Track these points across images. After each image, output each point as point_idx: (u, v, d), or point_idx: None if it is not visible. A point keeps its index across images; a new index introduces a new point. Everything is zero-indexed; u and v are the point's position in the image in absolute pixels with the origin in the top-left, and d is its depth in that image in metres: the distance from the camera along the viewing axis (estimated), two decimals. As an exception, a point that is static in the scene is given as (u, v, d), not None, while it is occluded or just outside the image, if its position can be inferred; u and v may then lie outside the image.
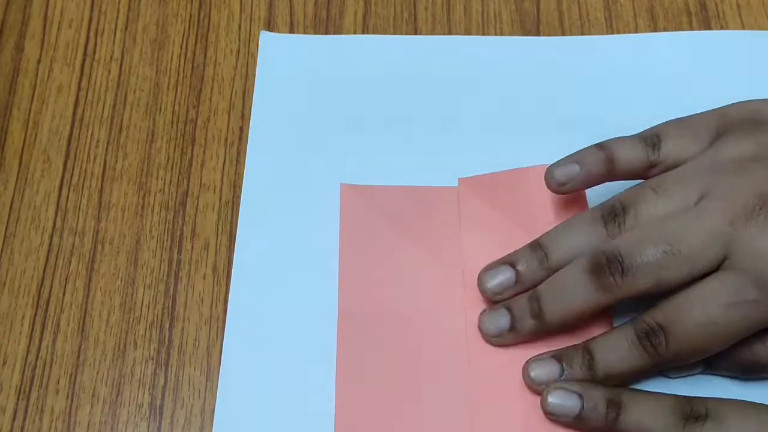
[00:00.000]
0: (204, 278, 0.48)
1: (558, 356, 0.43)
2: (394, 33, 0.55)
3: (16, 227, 0.50)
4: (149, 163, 0.51)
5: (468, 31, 0.55)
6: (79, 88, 0.54)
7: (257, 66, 0.53)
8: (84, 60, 0.55)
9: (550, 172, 0.45)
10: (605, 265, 0.42)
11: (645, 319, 0.42)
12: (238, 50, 0.55)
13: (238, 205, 0.50)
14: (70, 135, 0.52)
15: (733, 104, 0.46)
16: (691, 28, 0.55)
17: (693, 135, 0.45)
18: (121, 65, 0.55)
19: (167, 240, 0.49)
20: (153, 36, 0.56)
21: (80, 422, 0.45)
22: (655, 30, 0.55)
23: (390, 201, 0.49)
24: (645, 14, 0.56)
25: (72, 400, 0.45)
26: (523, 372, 0.44)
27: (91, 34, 0.56)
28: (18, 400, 0.45)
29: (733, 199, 0.42)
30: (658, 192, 0.44)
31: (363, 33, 0.55)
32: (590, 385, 0.42)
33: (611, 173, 0.45)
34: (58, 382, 0.46)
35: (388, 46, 0.54)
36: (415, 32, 0.55)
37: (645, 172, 0.45)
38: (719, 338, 0.41)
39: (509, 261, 0.45)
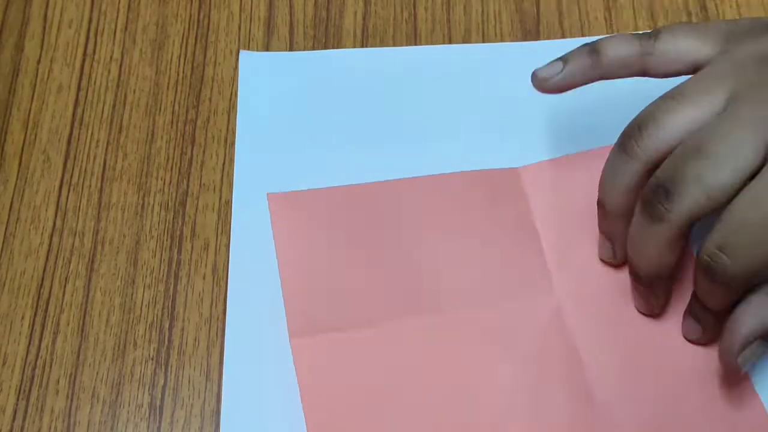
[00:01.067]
0: (204, 278, 0.48)
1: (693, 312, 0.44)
2: (394, 33, 0.55)
3: (16, 227, 0.50)
4: (149, 163, 0.51)
5: (468, 31, 0.55)
6: (79, 88, 0.54)
7: (238, 86, 0.52)
8: (84, 60, 0.55)
9: (534, 73, 0.46)
10: (653, 199, 0.40)
11: (703, 251, 0.40)
12: (238, 50, 0.55)
13: (238, 205, 0.50)
14: (70, 135, 0.52)
15: (741, 18, 0.46)
16: (691, 29, 0.55)
17: (697, 35, 0.44)
18: (121, 65, 0.55)
19: (167, 240, 0.49)
20: (153, 36, 0.56)
21: (80, 422, 0.45)
22: (654, 30, 0.55)
23: (323, 205, 0.48)
24: (645, 14, 0.56)
25: (72, 400, 0.45)
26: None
27: (91, 34, 0.56)
28: (18, 400, 0.45)
29: (764, 86, 0.40)
30: (677, 99, 0.42)
31: (363, 33, 0.55)
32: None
33: (598, 65, 0.44)
34: (58, 382, 0.46)
35: (371, 59, 0.53)
36: (415, 32, 0.55)
37: (638, 64, 0.44)
38: None
39: (599, 228, 0.46)
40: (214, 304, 0.47)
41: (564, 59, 0.45)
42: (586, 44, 0.45)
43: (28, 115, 0.53)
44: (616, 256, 0.45)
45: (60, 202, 0.50)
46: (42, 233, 0.50)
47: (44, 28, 0.56)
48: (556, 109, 0.52)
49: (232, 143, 0.52)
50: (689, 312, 0.44)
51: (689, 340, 0.44)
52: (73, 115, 0.53)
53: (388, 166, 0.50)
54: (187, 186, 0.51)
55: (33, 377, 0.46)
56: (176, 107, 0.53)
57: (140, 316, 0.47)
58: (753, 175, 0.39)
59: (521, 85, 0.51)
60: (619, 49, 0.44)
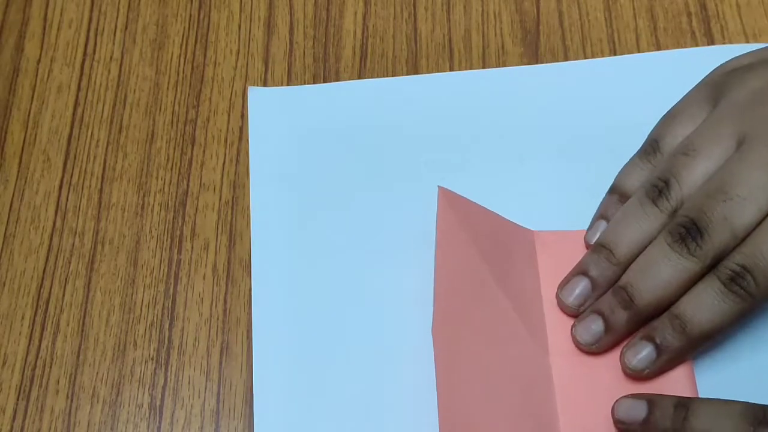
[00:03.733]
0: (204, 278, 0.48)
1: (647, 335, 0.43)
2: (394, 33, 0.55)
3: (16, 227, 0.50)
4: (149, 163, 0.51)
5: (467, 31, 0.55)
6: (79, 88, 0.54)
7: (249, 123, 0.52)
8: (84, 60, 0.55)
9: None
10: (686, 234, 0.42)
11: (726, 265, 0.42)
12: (238, 50, 0.55)
13: (238, 205, 0.50)
14: (70, 135, 0.52)
15: (709, 74, 0.47)
16: (691, 29, 0.55)
17: (690, 118, 0.46)
18: (121, 65, 0.55)
19: (167, 240, 0.49)
20: (153, 36, 0.56)
21: (80, 422, 0.45)
22: (654, 30, 0.55)
23: (481, 221, 0.47)
24: (645, 14, 0.56)
25: (72, 400, 0.45)
26: (621, 362, 0.43)
27: (91, 34, 0.56)
28: (18, 400, 0.45)
29: None
30: (690, 155, 0.44)
31: (363, 33, 0.55)
32: (658, 394, 0.42)
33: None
34: (58, 382, 0.46)
35: (381, 90, 0.53)
36: (415, 32, 0.55)
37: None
38: None
39: (580, 271, 0.45)
40: (213, 304, 0.47)
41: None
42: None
43: (28, 115, 0.53)
44: (585, 304, 0.45)
45: (60, 202, 0.50)
46: (42, 233, 0.50)
47: (44, 28, 0.56)
48: (565, 136, 0.52)
49: (232, 143, 0.52)
50: (647, 337, 0.43)
51: (631, 372, 0.43)
52: (73, 115, 0.53)
53: (402, 200, 0.50)
54: (187, 186, 0.51)
55: (33, 377, 0.46)
56: (176, 107, 0.53)
57: (140, 316, 0.47)
58: None
59: (527, 112, 0.52)
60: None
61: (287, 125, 0.52)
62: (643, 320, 0.43)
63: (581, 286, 0.45)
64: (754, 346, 0.45)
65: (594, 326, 0.44)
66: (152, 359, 0.46)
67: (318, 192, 0.50)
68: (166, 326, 0.47)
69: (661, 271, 0.42)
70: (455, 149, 0.51)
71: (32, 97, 0.54)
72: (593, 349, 0.44)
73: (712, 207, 0.42)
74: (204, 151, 0.52)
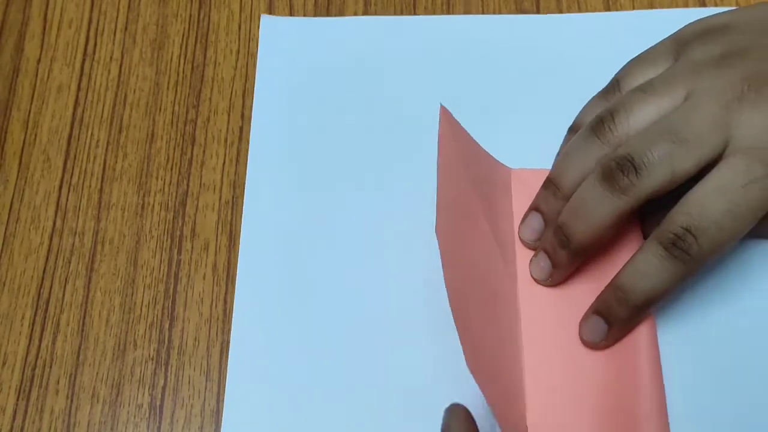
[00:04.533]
0: (204, 278, 0.48)
1: (596, 308, 0.43)
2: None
3: (16, 227, 0.50)
4: (149, 163, 0.51)
5: (468, 31, 0.55)
6: (79, 88, 0.54)
7: (258, 50, 0.53)
8: (84, 60, 0.55)
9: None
10: (616, 169, 0.42)
11: (668, 228, 0.41)
12: (238, 50, 0.55)
13: (238, 205, 0.50)
14: (70, 135, 0.52)
15: (682, 27, 0.47)
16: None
17: (652, 64, 0.46)
18: (121, 65, 0.55)
19: (167, 240, 0.49)
20: (153, 36, 0.56)
21: (80, 422, 0.45)
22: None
23: (471, 149, 0.47)
24: (645, 7, 0.55)
25: (72, 400, 0.45)
26: (579, 334, 0.44)
27: (91, 34, 0.56)
28: (18, 400, 0.45)
29: (721, 88, 0.42)
30: (648, 92, 0.44)
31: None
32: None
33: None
34: (58, 382, 0.46)
35: (389, 27, 0.54)
36: (415, 32, 0.55)
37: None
38: (745, 220, 0.41)
39: (534, 207, 0.46)
40: (214, 304, 0.48)
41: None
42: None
43: (28, 115, 0.53)
44: (540, 237, 0.45)
45: (60, 202, 0.50)
46: (42, 233, 0.50)
47: (44, 28, 0.56)
48: (560, 84, 0.53)
49: (232, 143, 0.52)
50: (596, 311, 0.44)
51: (587, 344, 0.44)
52: (73, 115, 0.53)
53: (402, 141, 0.51)
54: (187, 186, 0.51)
55: (33, 377, 0.46)
56: (176, 107, 0.53)
57: (140, 316, 0.47)
58: (711, 163, 0.42)
59: (526, 59, 0.53)
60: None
61: (296, 55, 0.53)
62: (587, 255, 0.44)
63: (534, 221, 0.46)
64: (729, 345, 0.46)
65: (543, 263, 0.45)
66: (152, 359, 0.46)
67: (320, 127, 0.51)
68: (166, 326, 0.47)
69: (592, 210, 0.42)
70: (455, 90, 0.52)
71: (32, 97, 0.54)
72: (548, 284, 0.45)
73: (659, 145, 0.41)
74: (204, 151, 0.52)
